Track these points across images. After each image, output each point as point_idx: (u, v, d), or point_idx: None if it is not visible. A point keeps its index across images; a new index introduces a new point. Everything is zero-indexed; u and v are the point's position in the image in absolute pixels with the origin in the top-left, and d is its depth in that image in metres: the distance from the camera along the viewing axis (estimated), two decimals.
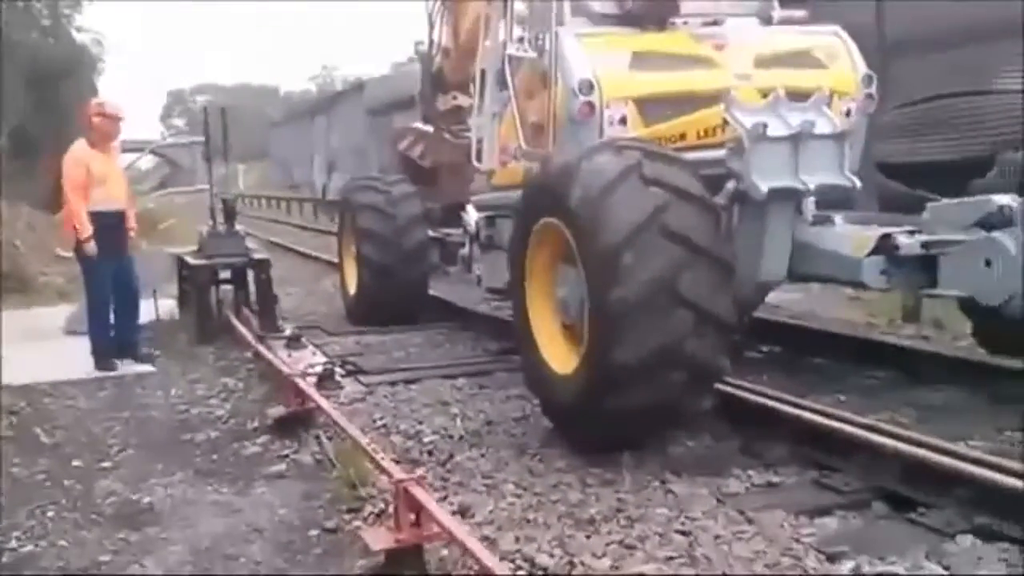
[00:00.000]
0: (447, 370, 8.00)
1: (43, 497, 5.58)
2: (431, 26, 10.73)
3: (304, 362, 8.17)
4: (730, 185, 5.91)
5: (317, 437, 6.37)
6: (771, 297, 8.00)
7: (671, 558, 4.16)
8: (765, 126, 5.68)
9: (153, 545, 4.89)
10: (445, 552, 4.36)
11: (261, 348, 8.38)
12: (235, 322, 9.88)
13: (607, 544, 4.31)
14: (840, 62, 7.12)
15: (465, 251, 9.17)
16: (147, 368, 8.88)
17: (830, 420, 5.41)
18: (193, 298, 10.41)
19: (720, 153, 6.01)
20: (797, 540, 4.30)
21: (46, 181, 18.54)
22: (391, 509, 4.47)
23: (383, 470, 4.82)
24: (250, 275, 10.59)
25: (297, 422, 6.59)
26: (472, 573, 4.05)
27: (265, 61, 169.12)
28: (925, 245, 5.78)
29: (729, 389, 6.02)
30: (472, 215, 8.81)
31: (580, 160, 5.51)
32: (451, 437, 6.14)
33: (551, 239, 5.82)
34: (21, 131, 22.48)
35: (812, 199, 6.09)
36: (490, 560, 3.77)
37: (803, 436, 5.47)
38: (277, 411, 6.72)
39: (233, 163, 14.92)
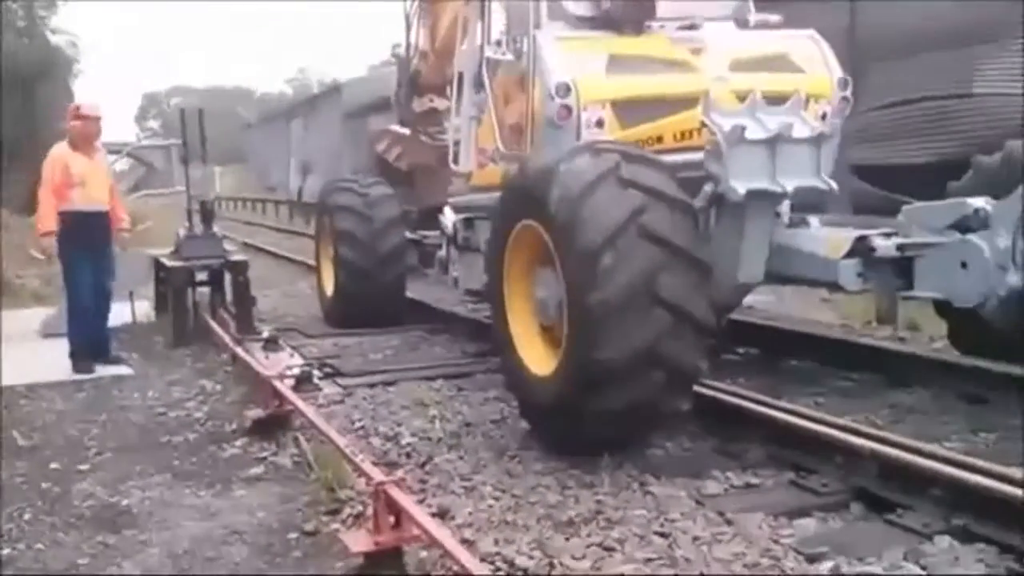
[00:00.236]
0: (425, 372, 8.00)
1: (20, 500, 5.53)
2: (408, 28, 10.73)
3: (282, 364, 8.14)
4: (708, 187, 5.95)
5: (295, 439, 6.35)
6: (745, 299, 8.04)
7: (651, 560, 4.18)
8: (743, 129, 5.71)
9: (131, 548, 4.86)
10: (424, 554, 4.36)
11: (238, 350, 8.34)
12: (212, 324, 9.84)
13: (587, 546, 4.32)
14: (816, 66, 7.17)
15: (442, 253, 9.18)
16: (124, 370, 8.83)
17: (807, 421, 5.45)
18: (170, 300, 10.36)
19: (697, 156, 6.05)
20: (776, 541, 4.32)
21: (21, 183, 18.41)
22: (370, 511, 4.46)
23: (362, 472, 4.82)
24: (227, 277, 10.55)
25: (275, 424, 6.57)
26: (452, 575, 4.06)
27: (240, 63, 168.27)
28: (901, 247, 5.84)
29: (706, 391, 6.05)
30: (449, 217, 8.82)
31: (558, 162, 5.53)
32: (430, 439, 6.15)
33: (529, 241, 5.84)
34: None
35: (788, 202, 6.15)
36: (470, 562, 3.77)
37: (780, 437, 5.50)
38: (255, 413, 6.69)
39: (210, 165, 14.84)
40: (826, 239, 6.17)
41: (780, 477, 5.22)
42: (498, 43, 7.53)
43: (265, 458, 6.17)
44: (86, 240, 8.75)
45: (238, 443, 6.50)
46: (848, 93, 7.12)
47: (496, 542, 4.41)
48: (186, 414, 7.33)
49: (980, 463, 4.53)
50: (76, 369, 8.70)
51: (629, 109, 6.70)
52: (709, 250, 5.58)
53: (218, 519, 5.20)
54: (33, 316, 11.42)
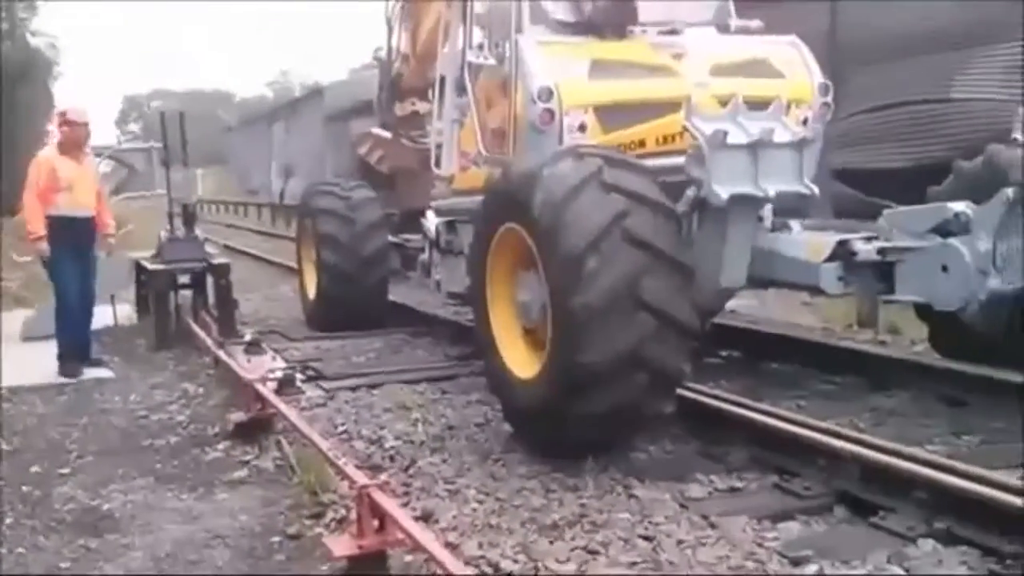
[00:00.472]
0: (408, 375, 7.99)
1: (1, 504, 5.50)
2: (390, 32, 10.73)
3: (264, 367, 8.11)
4: (690, 192, 5.97)
5: (278, 443, 6.34)
6: (728, 302, 8.07)
7: (635, 563, 4.19)
8: (725, 134, 5.74)
9: (113, 552, 4.85)
10: (409, 558, 4.36)
11: (220, 353, 8.33)
12: (194, 327, 9.81)
13: (571, 549, 4.33)
14: (796, 71, 7.21)
15: (425, 256, 9.17)
16: (106, 373, 8.80)
17: (790, 425, 5.47)
18: (151, 303, 10.32)
19: (679, 160, 6.07)
20: (760, 545, 4.34)
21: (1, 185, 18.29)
22: (353, 515, 4.45)
23: (345, 476, 4.81)
24: (209, 280, 10.52)
25: (258, 428, 6.56)
26: None
27: (221, 66, 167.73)
28: (882, 251, 5.87)
29: (690, 394, 6.07)
30: (432, 220, 8.82)
31: (542, 167, 5.55)
32: (413, 442, 6.14)
33: (512, 244, 5.84)
34: None
35: (770, 206, 6.18)
36: (454, 566, 3.77)
37: (763, 440, 5.52)
38: (237, 417, 6.68)
39: (191, 168, 14.79)
40: (808, 243, 6.19)
41: (763, 480, 5.23)
42: (480, 47, 7.54)
43: (248, 462, 6.16)
44: (72, 244, 8.74)
45: (220, 446, 6.49)
46: (829, 98, 7.16)
47: (480, 546, 4.41)
48: (168, 417, 7.31)
49: (962, 466, 4.56)
50: (63, 372, 8.67)
51: (611, 113, 6.72)
52: (692, 254, 5.60)
53: (200, 523, 5.19)
54: (15, 319, 11.33)
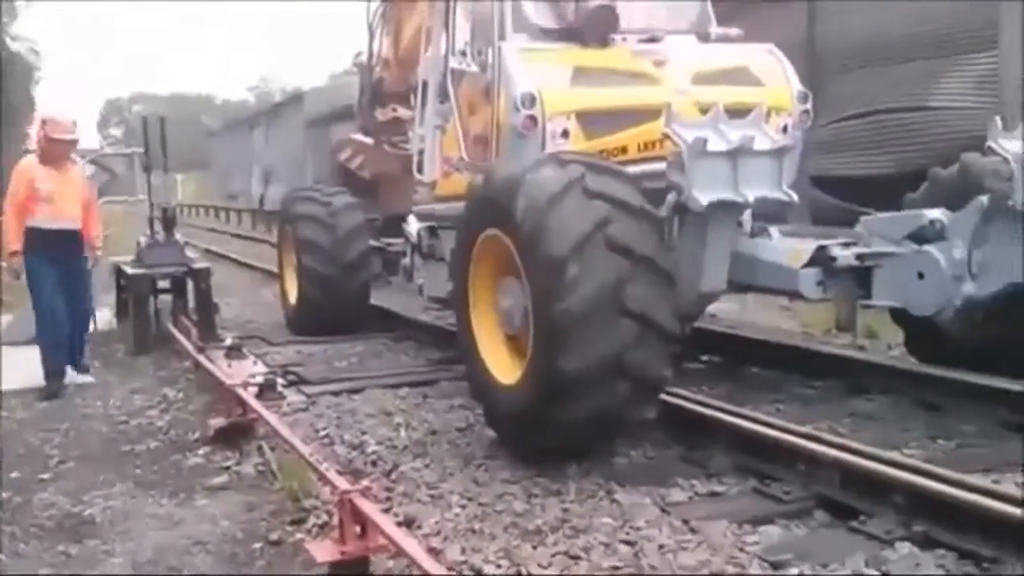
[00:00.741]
0: (390, 380, 7.99)
1: None
2: (371, 37, 10.73)
3: (245, 372, 8.10)
4: (670, 198, 6.02)
5: (259, 448, 6.33)
6: (709, 307, 8.12)
7: (617, 568, 4.21)
8: (705, 141, 5.78)
9: (94, 558, 4.83)
10: (391, 563, 4.36)
11: (201, 358, 8.30)
12: (174, 332, 9.78)
13: (553, 554, 4.35)
14: (776, 79, 7.26)
15: (407, 261, 9.18)
16: (86, 378, 8.74)
17: (770, 429, 5.51)
18: (131, 308, 10.28)
19: (660, 166, 6.11)
20: (741, 549, 4.37)
21: None
22: (335, 521, 4.46)
23: (327, 481, 4.82)
24: (189, 284, 10.49)
25: (239, 433, 6.54)
26: None
27: (202, 71, 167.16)
28: (859, 257, 5.95)
29: (671, 399, 6.10)
30: (414, 225, 8.83)
31: (524, 173, 5.57)
32: (395, 447, 6.14)
33: (494, 250, 5.87)
34: None
35: (750, 212, 6.24)
36: (436, 571, 3.78)
37: (744, 445, 5.56)
38: (218, 422, 6.67)
39: (172, 173, 14.75)
40: (787, 249, 6.26)
41: (744, 485, 5.26)
42: (463, 54, 7.56)
43: (229, 467, 6.14)
44: (53, 257, 8.36)
45: (201, 452, 6.47)
46: (808, 106, 7.22)
47: (463, 551, 4.43)
48: (148, 423, 7.29)
49: (939, 470, 4.62)
50: (47, 392, 8.25)
51: (594, 120, 6.75)
52: (673, 259, 5.64)
53: (181, 528, 5.18)
54: None
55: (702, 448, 5.75)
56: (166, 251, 10.57)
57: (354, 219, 10.34)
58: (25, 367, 8.71)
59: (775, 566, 4.21)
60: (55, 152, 8.45)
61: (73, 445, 6.80)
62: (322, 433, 6.59)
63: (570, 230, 5.16)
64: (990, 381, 6.22)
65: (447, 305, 7.93)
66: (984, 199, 5.74)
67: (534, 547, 4.44)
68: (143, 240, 10.84)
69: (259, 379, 7.66)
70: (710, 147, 5.79)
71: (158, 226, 10.87)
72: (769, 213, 6.39)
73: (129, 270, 10.49)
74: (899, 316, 6.97)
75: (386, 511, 4.86)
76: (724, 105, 6.05)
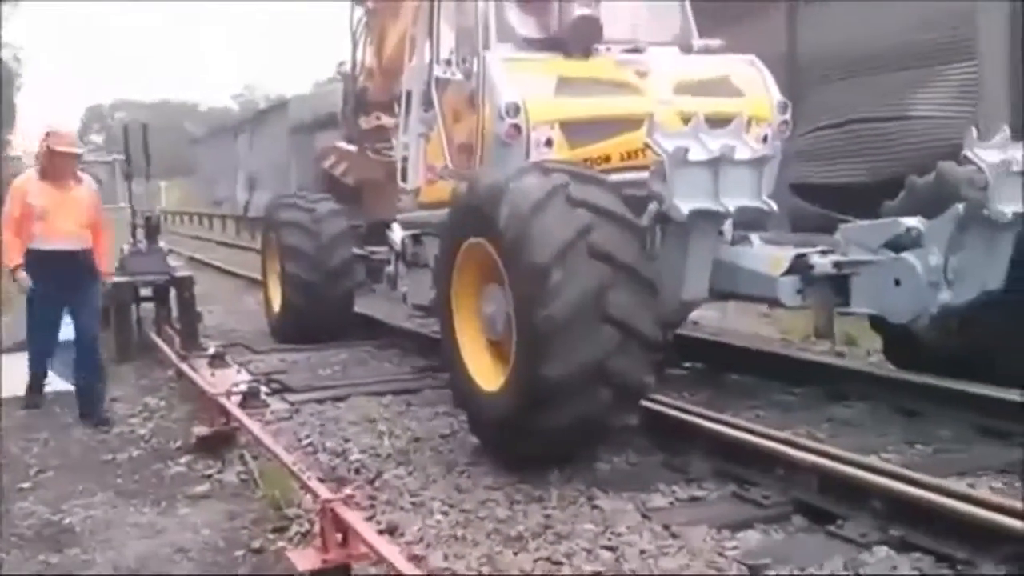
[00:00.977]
0: (374, 387, 8.01)
1: None
2: (354, 45, 10.75)
3: (228, 380, 8.09)
4: (652, 206, 6.07)
5: (242, 456, 6.32)
6: (690, 314, 8.17)
7: (598, 573, 4.25)
8: (686, 151, 5.84)
9: (75, 567, 4.81)
10: (373, 571, 4.37)
11: (184, 367, 8.29)
12: (157, 340, 9.76)
13: (535, 560, 4.38)
14: (756, 89, 7.32)
15: (391, 268, 9.20)
16: (67, 387, 8.64)
17: (749, 435, 5.55)
18: (113, 316, 10.24)
19: (643, 175, 6.16)
20: (721, 554, 4.41)
21: None
22: (317, 529, 4.47)
23: (309, 490, 4.83)
24: (172, 292, 10.47)
25: (221, 441, 6.53)
26: None
27: (185, 78, 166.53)
28: (837, 265, 6.01)
29: (652, 405, 6.14)
30: (398, 233, 8.85)
31: (508, 181, 5.61)
32: (379, 455, 6.16)
33: (478, 258, 5.90)
34: None
35: (731, 220, 6.29)
36: None
37: (724, 451, 5.60)
38: (200, 430, 6.65)
39: (155, 180, 14.70)
40: (767, 257, 6.32)
41: (724, 490, 5.31)
42: (447, 63, 7.60)
43: (211, 475, 6.13)
44: (48, 280, 7.55)
45: (183, 460, 6.45)
46: (788, 116, 7.29)
47: (445, 557, 4.45)
48: (130, 431, 7.27)
49: (916, 475, 4.67)
50: (26, 402, 7.99)
51: (577, 129, 6.80)
52: (655, 267, 5.69)
53: (163, 537, 5.17)
54: None
55: (683, 454, 5.79)
56: (149, 259, 10.54)
57: (338, 225, 10.35)
58: (6, 375, 8.61)
59: (754, 570, 4.25)
60: (57, 166, 7.70)
61: (54, 454, 6.75)
62: (305, 441, 6.60)
63: (553, 238, 5.20)
64: (966, 387, 6.29)
65: (431, 312, 7.96)
66: (960, 207, 5.81)
67: (516, 553, 4.46)
68: (126, 248, 10.80)
69: (242, 387, 7.64)
70: (691, 157, 5.85)
71: (140, 234, 10.85)
72: (749, 221, 6.45)
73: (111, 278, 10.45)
74: (877, 323, 7.04)
75: (369, 519, 4.87)
76: (705, 115, 6.12)
